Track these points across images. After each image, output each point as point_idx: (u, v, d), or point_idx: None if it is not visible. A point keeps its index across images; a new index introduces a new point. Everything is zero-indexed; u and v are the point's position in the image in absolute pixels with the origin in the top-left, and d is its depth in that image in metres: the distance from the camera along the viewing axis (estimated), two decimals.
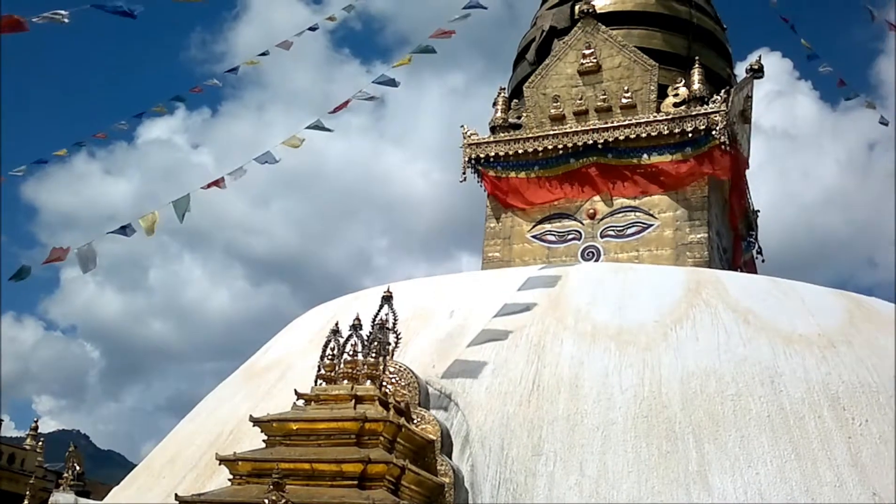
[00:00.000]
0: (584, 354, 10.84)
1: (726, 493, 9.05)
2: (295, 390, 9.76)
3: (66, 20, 12.26)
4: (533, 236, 17.80)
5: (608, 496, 9.21)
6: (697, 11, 19.27)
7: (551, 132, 18.02)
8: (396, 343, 9.87)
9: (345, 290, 16.71)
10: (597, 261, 16.82)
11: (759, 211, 21.09)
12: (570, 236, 17.42)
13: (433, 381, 10.77)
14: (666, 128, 17.05)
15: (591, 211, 17.37)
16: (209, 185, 14.13)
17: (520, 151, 18.20)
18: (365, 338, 9.63)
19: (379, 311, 9.87)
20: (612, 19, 18.57)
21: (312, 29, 17.20)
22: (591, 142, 17.54)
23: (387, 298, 9.99)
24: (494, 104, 19.24)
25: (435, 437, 9.63)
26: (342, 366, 9.60)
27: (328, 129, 15.42)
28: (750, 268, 19.44)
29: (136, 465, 14.88)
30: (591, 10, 18.38)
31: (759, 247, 20.18)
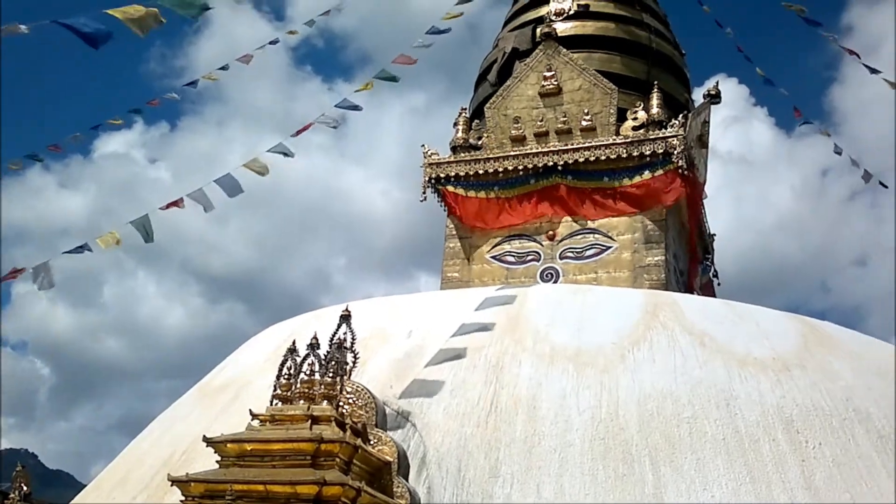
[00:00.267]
0: (542, 376, 10.84)
1: None
2: (250, 410, 9.62)
3: (26, 31, 12.03)
4: (492, 257, 17.84)
5: None
6: (657, 37, 19.54)
7: (512, 153, 18.11)
8: (354, 363, 9.77)
9: (303, 308, 16.66)
10: (555, 282, 16.90)
11: (715, 235, 21.36)
12: (529, 257, 17.49)
13: (391, 401, 10.69)
14: (625, 151, 17.23)
15: (551, 233, 17.47)
16: (168, 206, 14.04)
17: (480, 172, 18.27)
18: (322, 357, 9.53)
19: (337, 330, 9.77)
20: (574, 43, 18.75)
21: (273, 43, 17.21)
22: (551, 163, 17.66)
23: (345, 317, 9.90)
24: (455, 124, 19.31)
25: (392, 459, 9.54)
26: (299, 385, 9.48)
27: (290, 154, 15.42)
28: (708, 291, 19.66)
29: (85, 486, 14.57)
30: (552, 33, 18.54)
31: (716, 270, 20.44)
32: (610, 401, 10.38)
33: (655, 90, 17.91)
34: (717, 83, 19.12)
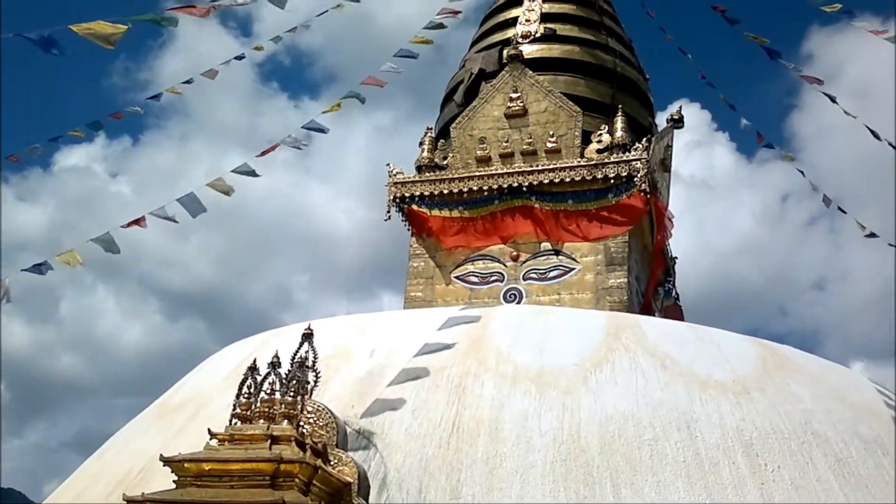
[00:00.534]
0: (504, 397, 10.82)
1: None
2: (208, 429, 9.48)
3: None
4: (456, 277, 17.83)
5: None
6: (621, 61, 19.75)
7: (477, 173, 18.15)
8: (316, 382, 9.68)
9: (264, 326, 16.49)
10: (519, 303, 16.92)
11: (676, 257, 21.55)
12: (492, 278, 17.50)
13: (352, 421, 10.61)
14: (589, 173, 17.33)
15: (515, 253, 17.51)
16: (129, 224, 13.93)
17: (445, 192, 18.27)
18: (283, 376, 9.43)
19: (299, 348, 9.69)
20: (540, 65, 18.89)
21: (239, 58, 17.15)
22: (516, 184, 17.71)
23: (307, 336, 9.83)
24: (421, 144, 19.32)
25: (352, 480, 9.46)
26: (259, 404, 9.36)
27: (256, 175, 15.38)
28: (675, 313, 19.76)
29: None
30: (519, 56, 18.67)
31: (677, 293, 20.58)
32: (572, 422, 10.38)
33: (620, 114, 18.07)
34: (681, 108, 19.39)
